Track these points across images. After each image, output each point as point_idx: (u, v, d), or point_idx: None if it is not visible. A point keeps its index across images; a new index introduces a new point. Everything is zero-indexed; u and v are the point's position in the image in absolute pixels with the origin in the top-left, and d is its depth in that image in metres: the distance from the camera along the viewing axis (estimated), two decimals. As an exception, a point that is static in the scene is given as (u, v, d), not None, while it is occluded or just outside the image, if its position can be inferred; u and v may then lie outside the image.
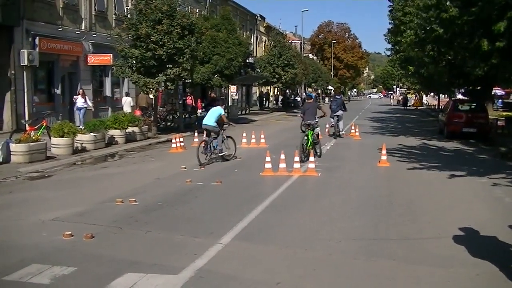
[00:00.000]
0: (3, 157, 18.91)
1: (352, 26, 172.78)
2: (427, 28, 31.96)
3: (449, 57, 35.52)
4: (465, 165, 20.06)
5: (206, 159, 20.08)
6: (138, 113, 32.70)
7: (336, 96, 35.85)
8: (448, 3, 26.45)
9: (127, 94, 35.60)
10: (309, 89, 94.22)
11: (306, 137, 21.00)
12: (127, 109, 33.31)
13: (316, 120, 21.62)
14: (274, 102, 75.67)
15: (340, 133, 31.21)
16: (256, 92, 77.25)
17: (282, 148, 19.56)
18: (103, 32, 35.89)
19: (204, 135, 20.92)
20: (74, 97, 30.93)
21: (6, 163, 18.72)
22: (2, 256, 8.64)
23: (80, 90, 30.85)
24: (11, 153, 19.10)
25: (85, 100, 29.78)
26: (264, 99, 73.15)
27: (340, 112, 31.35)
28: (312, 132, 21.20)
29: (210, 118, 20.66)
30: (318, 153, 21.73)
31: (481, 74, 32.42)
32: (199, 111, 42.04)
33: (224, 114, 21.20)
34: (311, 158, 17.96)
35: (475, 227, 10.50)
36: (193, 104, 42.32)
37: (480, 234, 10.11)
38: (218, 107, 21.42)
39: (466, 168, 19.21)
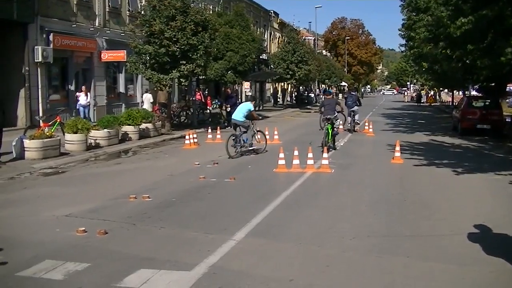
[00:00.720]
0: (17, 153, 18.99)
1: (365, 22, 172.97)
2: (440, 24, 31.72)
3: (464, 58, 35.31)
4: (479, 162, 20.00)
5: (235, 152, 20.59)
6: (156, 108, 32.93)
7: (352, 93, 36.49)
8: (461, 19, 26.09)
9: (147, 91, 35.73)
10: (323, 85, 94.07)
11: (326, 131, 22.30)
12: (147, 105, 33.48)
13: (335, 114, 23.24)
14: (288, 98, 75.66)
15: (356, 122, 32.30)
16: (270, 88, 77.29)
17: (295, 144, 19.53)
18: (117, 29, 36.03)
19: (234, 129, 21.54)
20: (77, 93, 30.96)
21: (20, 159, 18.80)
22: (16, 252, 8.67)
23: (83, 87, 30.82)
24: (25, 149, 19.16)
25: (87, 97, 29.69)
26: (282, 95, 73.06)
27: (356, 108, 32.10)
28: (331, 126, 22.57)
29: (239, 113, 21.26)
30: (333, 146, 23.06)
31: (490, 74, 32.29)
32: (209, 108, 41.98)
33: (253, 110, 21.75)
34: (325, 155, 17.94)
35: (489, 224, 10.44)
36: (202, 100, 42.20)
37: (494, 231, 10.06)
38: (248, 102, 22.31)
39: (480, 165, 19.15)
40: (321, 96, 67.31)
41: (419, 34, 38.05)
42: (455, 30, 26.20)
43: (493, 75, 34.13)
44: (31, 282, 7.34)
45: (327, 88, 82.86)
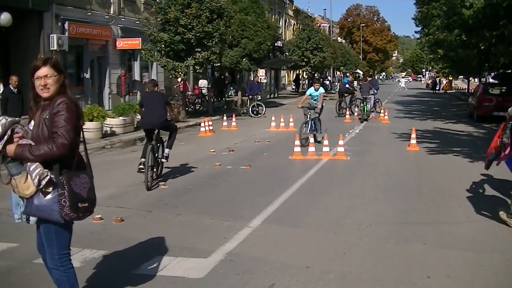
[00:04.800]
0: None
1: (381, 9, 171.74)
2: (455, 11, 31.53)
3: (479, 44, 35.11)
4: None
5: (305, 137, 19.90)
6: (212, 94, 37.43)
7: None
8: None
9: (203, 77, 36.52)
10: (338, 72, 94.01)
11: (363, 107, 30.40)
12: (204, 90, 36.17)
13: (370, 96, 31.28)
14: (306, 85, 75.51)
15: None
16: (285, 76, 77.13)
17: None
18: (132, 16, 35.94)
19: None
20: None
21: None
22: (33, 239, 8.69)
23: None
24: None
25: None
26: (307, 81, 72.97)
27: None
28: (366, 102, 30.61)
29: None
30: (366, 118, 30.39)
31: (506, 61, 32.08)
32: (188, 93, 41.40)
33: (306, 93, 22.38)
34: (340, 142, 17.90)
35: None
36: (188, 90, 40.92)
37: (512, 218, 10.01)
38: (311, 88, 21.95)
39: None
40: (336, 83, 67.38)
41: (434, 22, 37.84)
42: (466, 12, 26.03)
43: (510, 62, 33.91)
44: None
45: (342, 76, 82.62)
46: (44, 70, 5.28)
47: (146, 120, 13.80)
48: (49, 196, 5.14)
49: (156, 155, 13.48)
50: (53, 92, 5.29)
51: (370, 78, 42.91)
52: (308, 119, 20.41)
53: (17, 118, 5.29)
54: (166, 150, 13.86)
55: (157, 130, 13.68)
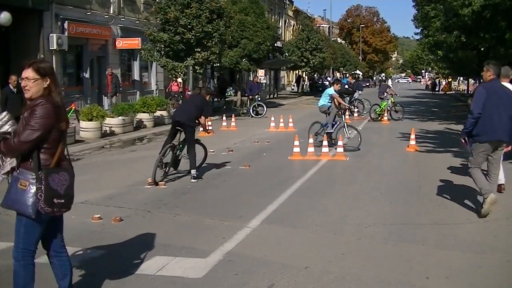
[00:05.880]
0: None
1: (380, 10, 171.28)
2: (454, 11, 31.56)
3: (479, 46, 35.15)
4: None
5: (315, 139, 19.35)
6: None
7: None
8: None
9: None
10: (337, 73, 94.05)
11: (378, 106, 31.88)
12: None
13: (385, 95, 31.68)
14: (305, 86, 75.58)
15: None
16: (285, 76, 77.10)
17: (310, 132, 19.50)
18: (132, 16, 35.97)
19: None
20: None
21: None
22: (32, 238, 8.69)
23: None
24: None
25: None
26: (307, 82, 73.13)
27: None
28: (385, 103, 31.54)
29: (322, 98, 20.66)
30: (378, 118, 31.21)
31: (505, 63, 32.13)
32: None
33: (333, 93, 20.18)
34: (340, 143, 17.88)
35: (506, 212, 10.39)
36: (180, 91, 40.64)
37: (511, 219, 10.00)
38: (330, 88, 20.89)
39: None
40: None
41: (434, 23, 37.88)
42: (464, 11, 26.03)
43: (509, 64, 33.93)
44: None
45: (343, 76, 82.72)
46: (26, 72, 5.39)
47: (174, 115, 15.46)
48: (25, 191, 5.32)
49: (176, 153, 14.13)
50: (33, 93, 5.39)
51: (354, 80, 43.20)
52: (340, 120, 20.01)
53: (10, 129, 5.35)
54: (192, 171, 13.82)
55: (182, 129, 14.16)
